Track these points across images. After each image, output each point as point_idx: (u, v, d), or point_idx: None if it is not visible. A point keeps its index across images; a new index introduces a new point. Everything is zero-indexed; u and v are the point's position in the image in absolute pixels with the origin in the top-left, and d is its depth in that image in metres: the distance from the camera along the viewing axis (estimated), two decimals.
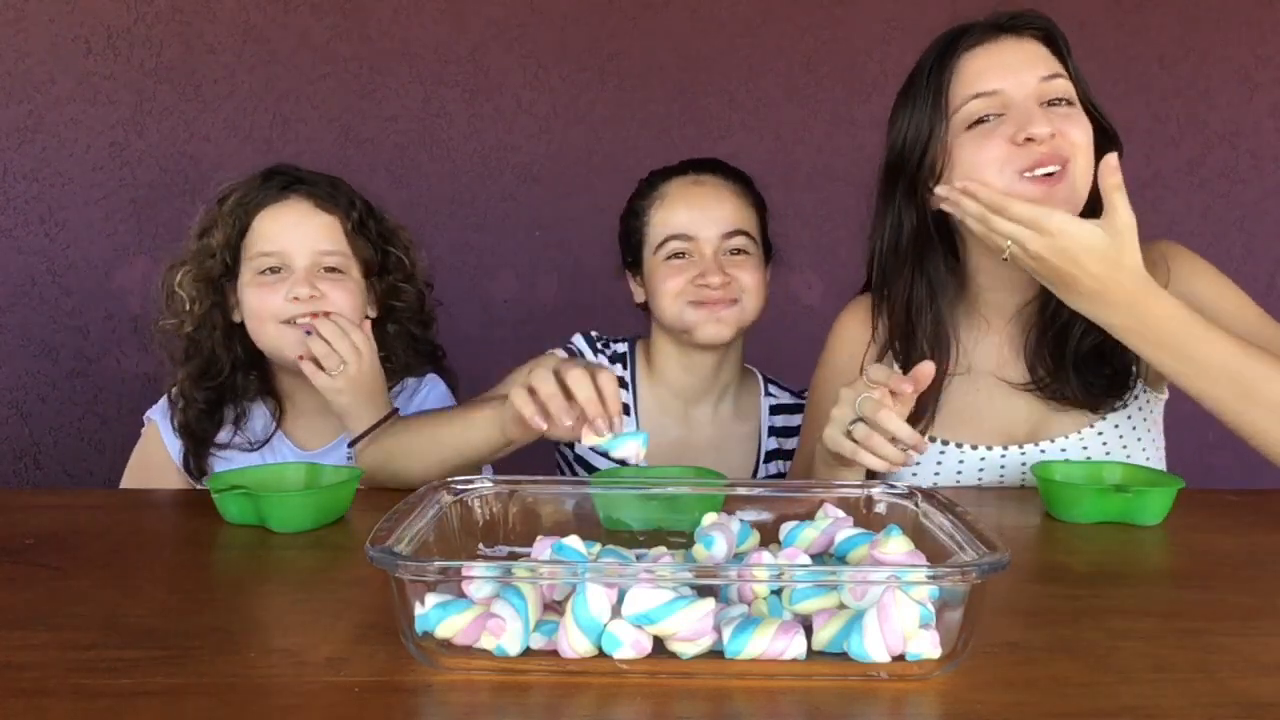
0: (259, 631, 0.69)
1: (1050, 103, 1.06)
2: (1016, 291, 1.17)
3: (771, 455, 1.38)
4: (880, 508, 0.82)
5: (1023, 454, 1.17)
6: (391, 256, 1.33)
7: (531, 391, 0.97)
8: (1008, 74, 1.06)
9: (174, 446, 1.31)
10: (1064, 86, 1.07)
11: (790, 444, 1.39)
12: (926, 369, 0.96)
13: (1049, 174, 1.02)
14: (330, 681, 0.61)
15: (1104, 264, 0.97)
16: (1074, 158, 1.03)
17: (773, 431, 1.39)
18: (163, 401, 1.35)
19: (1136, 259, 0.98)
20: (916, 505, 0.79)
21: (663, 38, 2.11)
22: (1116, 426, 1.17)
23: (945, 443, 1.20)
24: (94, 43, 2.00)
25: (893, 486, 0.83)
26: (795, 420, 1.40)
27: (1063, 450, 1.16)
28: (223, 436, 1.30)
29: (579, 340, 1.40)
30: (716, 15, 2.12)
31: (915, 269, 1.16)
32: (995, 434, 1.19)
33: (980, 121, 1.06)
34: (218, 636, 0.67)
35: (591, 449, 1.02)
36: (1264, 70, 2.20)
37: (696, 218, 1.30)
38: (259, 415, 1.33)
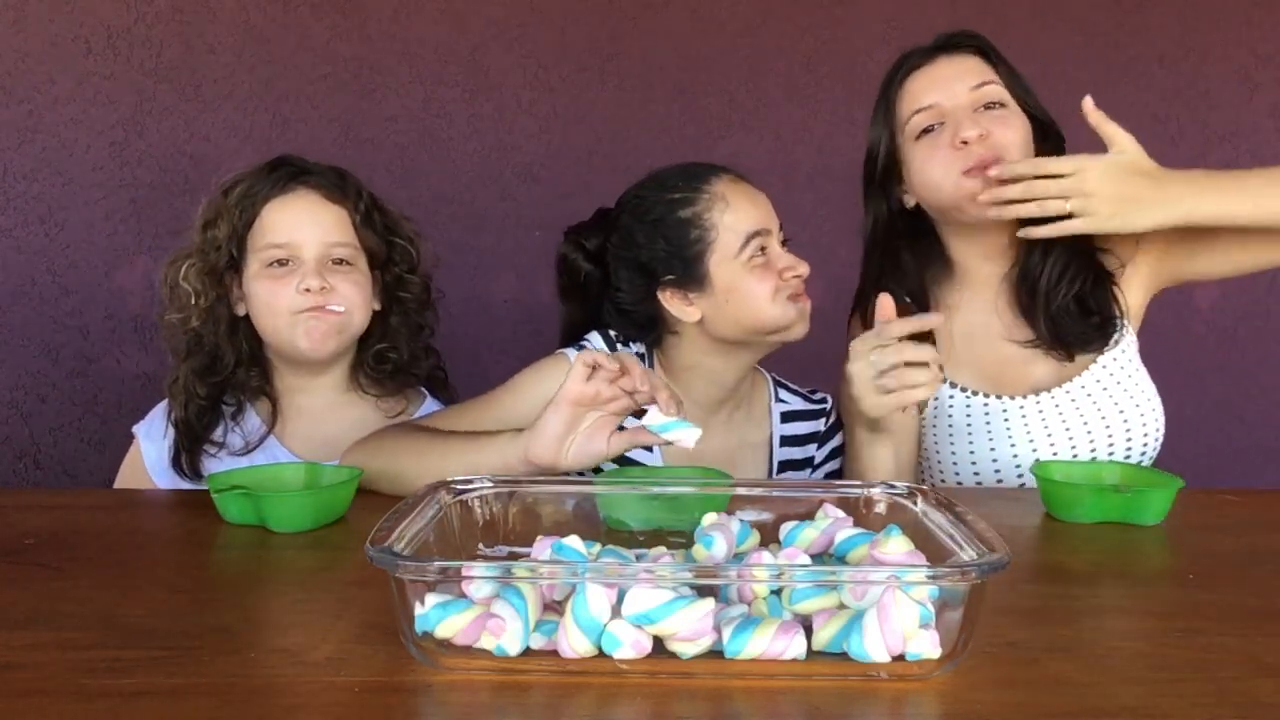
0: (259, 631, 0.69)
1: (986, 106, 1.21)
2: (994, 260, 1.31)
3: (785, 466, 1.33)
4: (880, 508, 0.82)
5: (1039, 401, 1.27)
6: (397, 247, 1.32)
7: (593, 366, 0.98)
8: (942, 88, 1.22)
9: (154, 459, 1.29)
10: (994, 91, 1.22)
11: (800, 454, 1.34)
12: (933, 318, 1.08)
13: (986, 168, 1.17)
14: (330, 681, 0.61)
15: (1145, 163, 1.15)
16: (1006, 153, 1.18)
17: (784, 441, 1.33)
18: (150, 415, 1.34)
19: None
20: (916, 505, 0.79)
21: (663, 38, 2.11)
22: (1115, 360, 1.28)
23: (986, 395, 1.29)
24: (94, 43, 2.00)
25: (893, 486, 0.83)
26: (807, 427, 1.34)
27: (1083, 387, 1.26)
28: (217, 435, 1.29)
29: (596, 338, 1.30)
30: (716, 15, 2.12)
31: (892, 259, 1.32)
32: (1011, 385, 1.30)
33: (927, 131, 1.23)
34: (218, 636, 0.67)
35: (646, 426, 0.96)
36: (1264, 70, 2.20)
37: (764, 212, 1.24)
38: (252, 416, 1.31)
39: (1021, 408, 1.27)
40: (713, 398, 1.28)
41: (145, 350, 2.02)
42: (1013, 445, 1.26)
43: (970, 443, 1.28)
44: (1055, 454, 1.25)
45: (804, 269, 1.22)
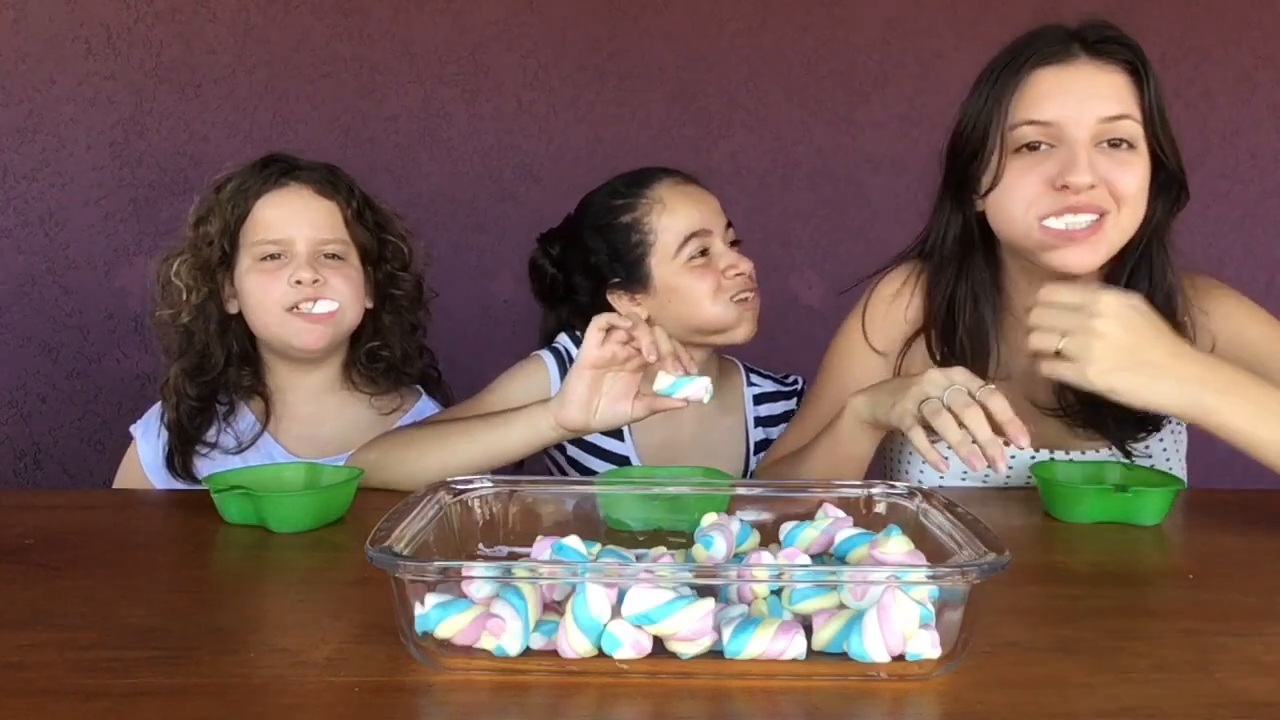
0: (259, 631, 0.69)
1: (1111, 143, 1.02)
2: None
3: (761, 446, 1.37)
4: (880, 508, 0.82)
5: (1052, 457, 1.15)
6: (389, 245, 1.33)
7: (608, 329, 1.00)
8: (1069, 105, 1.01)
9: (149, 459, 1.30)
10: (1128, 128, 1.02)
11: (776, 433, 1.37)
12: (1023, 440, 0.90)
13: (1082, 226, 1.00)
14: (330, 681, 0.61)
15: (1164, 324, 0.91)
16: (1114, 210, 1.00)
17: (759, 422, 1.38)
18: (147, 415, 1.34)
19: None
20: (916, 505, 0.79)
21: (663, 38, 2.11)
22: (1152, 453, 1.14)
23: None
24: (94, 43, 2.00)
25: (893, 486, 0.83)
26: (781, 408, 1.39)
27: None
28: (210, 435, 1.28)
29: (564, 339, 1.36)
30: (716, 15, 2.11)
31: (959, 267, 1.14)
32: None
33: (1032, 147, 1.03)
34: (218, 636, 0.67)
35: (656, 392, 1.00)
36: (1264, 70, 2.20)
37: (705, 213, 1.29)
38: (246, 415, 1.31)
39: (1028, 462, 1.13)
40: None
41: (145, 350, 2.02)
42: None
43: (940, 478, 1.16)
44: None
45: (745, 265, 1.26)
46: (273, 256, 1.23)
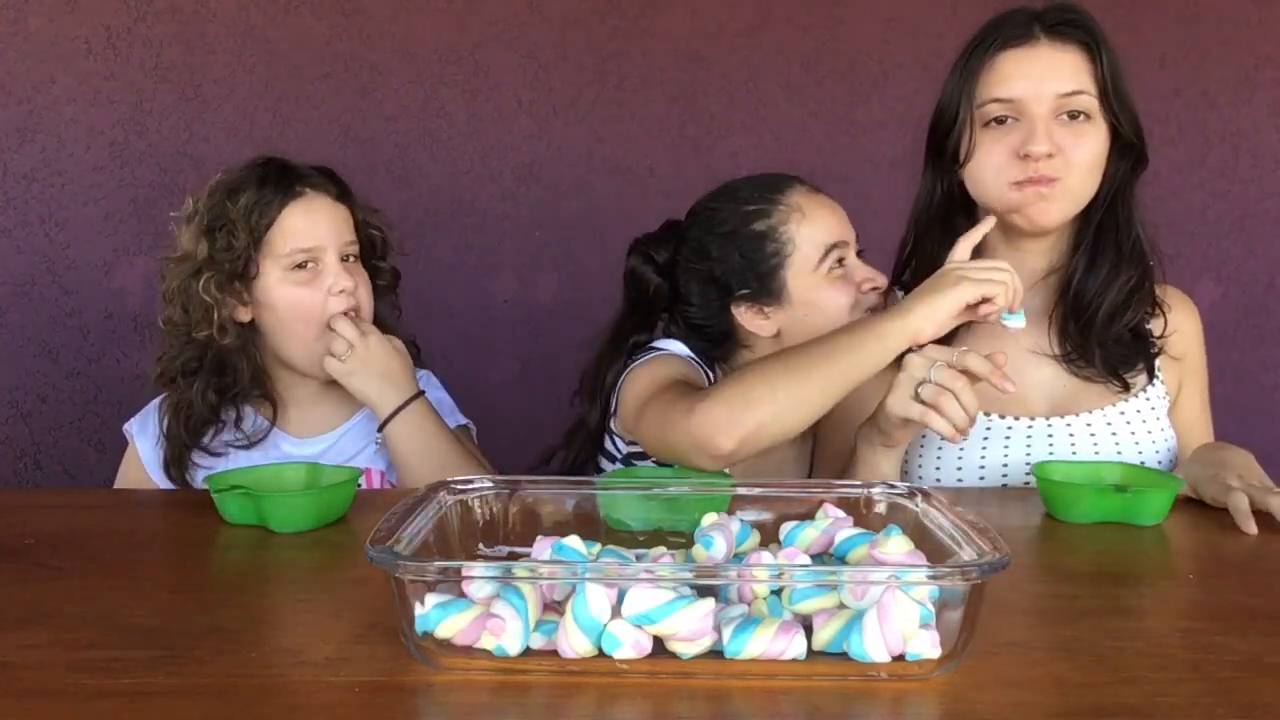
0: (259, 631, 0.69)
1: (1070, 115, 1.13)
2: (1032, 259, 1.23)
3: None
4: (880, 508, 0.82)
5: (1050, 426, 1.20)
6: (376, 239, 1.35)
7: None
8: (1030, 84, 1.13)
9: (150, 459, 1.29)
10: (1083, 102, 1.13)
11: None
12: (998, 358, 1.02)
13: (1043, 185, 1.12)
14: (330, 681, 0.61)
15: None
16: (1066, 176, 1.13)
17: None
18: (141, 413, 1.34)
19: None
20: (916, 505, 0.79)
21: (663, 38, 2.11)
22: (1139, 411, 1.22)
23: (988, 414, 1.21)
24: (94, 43, 2.00)
25: (893, 487, 0.83)
26: None
27: (1088, 425, 1.20)
28: (220, 439, 1.28)
29: (679, 346, 1.28)
30: (716, 15, 2.11)
31: (943, 228, 1.22)
32: (1027, 405, 1.22)
33: (999, 121, 1.15)
34: (218, 636, 0.68)
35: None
36: (1264, 70, 2.20)
37: (841, 223, 1.25)
38: (250, 413, 1.31)
39: (1029, 429, 1.20)
40: None
41: (145, 350, 2.01)
42: (1005, 465, 1.20)
43: (959, 455, 1.22)
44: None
45: (882, 281, 1.23)
46: (300, 265, 1.24)
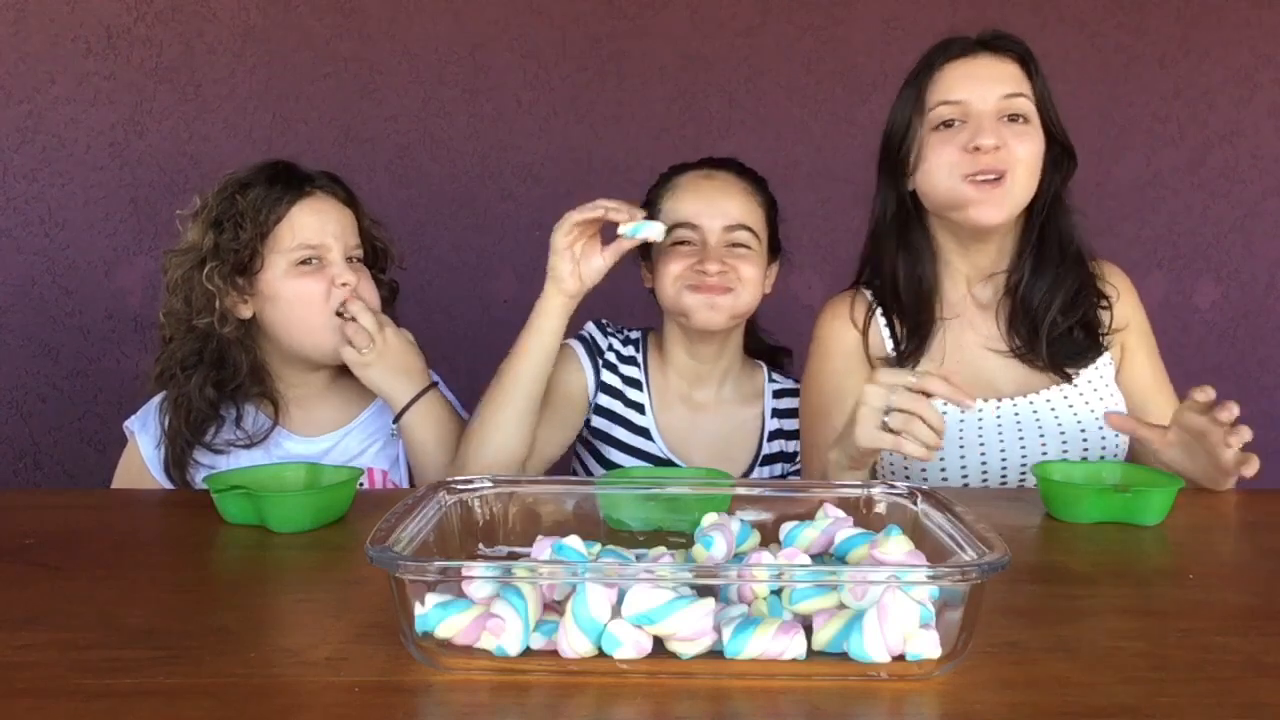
0: (259, 631, 0.69)
1: (1011, 117, 1.22)
2: (979, 261, 1.32)
3: (774, 435, 1.43)
4: (880, 508, 0.82)
5: (998, 406, 1.27)
6: (377, 249, 1.38)
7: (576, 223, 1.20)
8: (975, 86, 1.22)
9: (152, 457, 1.29)
10: (1023, 105, 1.23)
11: (790, 424, 1.43)
12: (955, 377, 1.02)
13: (989, 180, 1.20)
14: (330, 681, 0.61)
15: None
16: (1013, 169, 1.20)
17: (775, 413, 1.44)
18: (142, 411, 1.34)
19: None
20: (916, 505, 0.79)
21: (663, 38, 2.11)
22: (1090, 381, 1.30)
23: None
24: (94, 43, 2.00)
25: (893, 487, 0.83)
26: (795, 402, 1.44)
27: (1048, 400, 1.28)
28: (221, 437, 1.28)
29: (591, 326, 1.45)
30: (716, 15, 2.12)
31: (899, 241, 1.32)
32: (994, 388, 1.30)
33: (947, 125, 1.24)
34: (218, 636, 0.68)
35: (621, 235, 1.16)
36: (1264, 70, 2.20)
37: (702, 208, 1.34)
38: (251, 411, 1.31)
39: (997, 411, 1.26)
40: (697, 372, 1.43)
41: (145, 350, 2.01)
42: (983, 450, 1.25)
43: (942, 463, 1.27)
44: (1024, 460, 1.25)
45: (714, 268, 1.31)
46: (306, 261, 1.25)
